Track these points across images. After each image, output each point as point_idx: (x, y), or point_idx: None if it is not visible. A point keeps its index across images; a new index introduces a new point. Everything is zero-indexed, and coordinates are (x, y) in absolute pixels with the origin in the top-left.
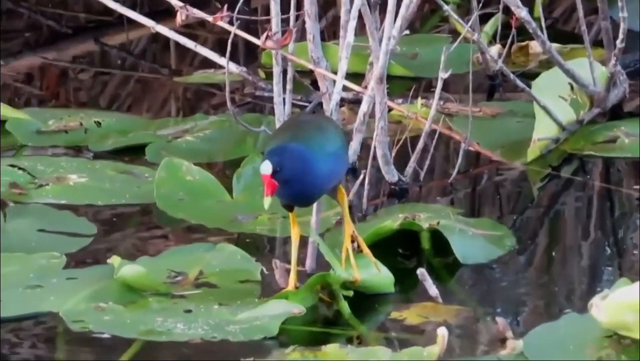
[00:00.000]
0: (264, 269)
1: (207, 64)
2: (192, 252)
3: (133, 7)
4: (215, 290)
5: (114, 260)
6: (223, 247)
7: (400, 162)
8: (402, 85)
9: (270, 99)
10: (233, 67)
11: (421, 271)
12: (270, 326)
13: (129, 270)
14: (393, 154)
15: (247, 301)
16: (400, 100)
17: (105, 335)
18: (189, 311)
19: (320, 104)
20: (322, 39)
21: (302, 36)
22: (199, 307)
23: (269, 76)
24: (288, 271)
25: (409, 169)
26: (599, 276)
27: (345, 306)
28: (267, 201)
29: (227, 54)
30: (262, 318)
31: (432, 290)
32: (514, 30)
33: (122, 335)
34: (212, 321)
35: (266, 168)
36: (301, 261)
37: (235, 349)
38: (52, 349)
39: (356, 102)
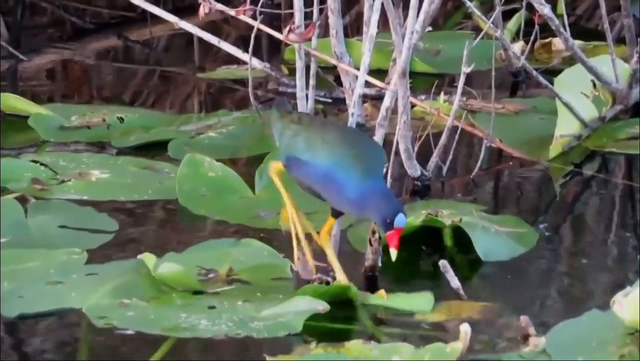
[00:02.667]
0: (292, 266)
1: (231, 59)
2: (217, 248)
3: (156, 3)
4: (248, 287)
5: (147, 258)
6: (248, 243)
7: (423, 158)
8: (425, 82)
9: (293, 95)
10: (256, 62)
11: (443, 263)
12: (294, 323)
13: (167, 268)
14: (415, 149)
15: (271, 298)
16: (423, 97)
17: (129, 331)
18: (213, 307)
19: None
20: (346, 36)
21: (325, 32)
22: (223, 303)
23: (292, 72)
24: (310, 264)
25: (432, 164)
26: (622, 273)
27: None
28: (394, 253)
29: (250, 50)
30: (286, 314)
31: (454, 282)
32: (537, 27)
33: (145, 331)
34: (236, 318)
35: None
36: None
37: (258, 345)
38: (75, 345)
39: (379, 98)
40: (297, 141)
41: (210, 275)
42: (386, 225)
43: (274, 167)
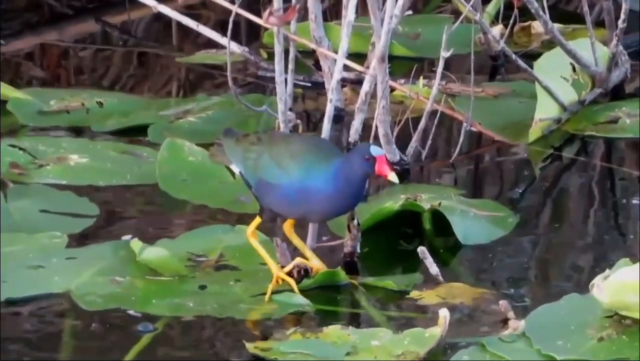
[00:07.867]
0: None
1: (209, 44)
2: (211, 234)
3: None
4: (236, 272)
5: (134, 243)
6: (242, 229)
7: (402, 142)
8: (404, 66)
9: (272, 80)
10: (235, 47)
11: (422, 250)
12: (277, 312)
13: (151, 253)
14: (395, 134)
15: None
16: (402, 81)
17: (113, 309)
18: (204, 287)
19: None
20: (325, 20)
21: (304, 16)
22: (212, 285)
23: (271, 56)
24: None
25: (411, 148)
26: (600, 256)
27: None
28: (395, 176)
29: (229, 34)
30: (271, 305)
31: (433, 268)
32: (516, 11)
33: (131, 309)
34: (223, 300)
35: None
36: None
37: (236, 331)
38: (59, 327)
39: (358, 82)
40: (264, 161)
41: (200, 260)
42: (369, 162)
43: (251, 230)
